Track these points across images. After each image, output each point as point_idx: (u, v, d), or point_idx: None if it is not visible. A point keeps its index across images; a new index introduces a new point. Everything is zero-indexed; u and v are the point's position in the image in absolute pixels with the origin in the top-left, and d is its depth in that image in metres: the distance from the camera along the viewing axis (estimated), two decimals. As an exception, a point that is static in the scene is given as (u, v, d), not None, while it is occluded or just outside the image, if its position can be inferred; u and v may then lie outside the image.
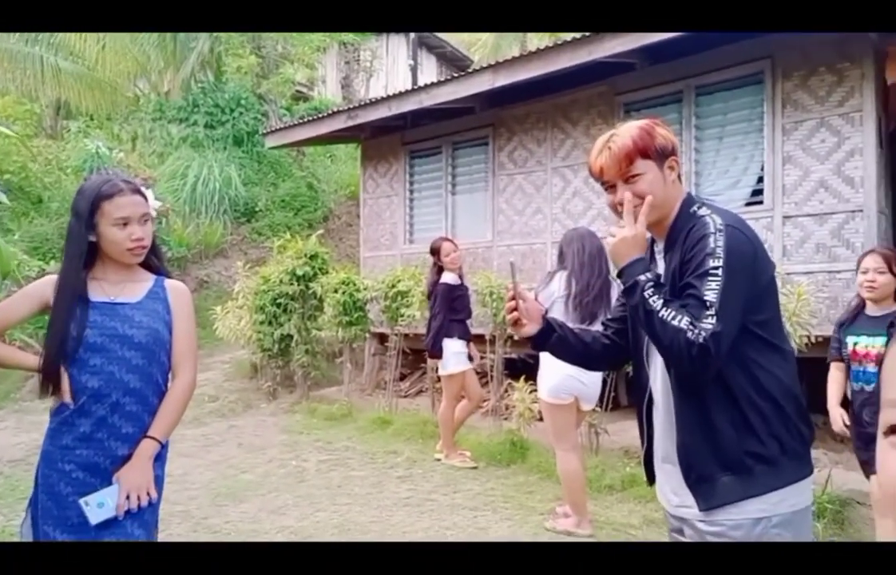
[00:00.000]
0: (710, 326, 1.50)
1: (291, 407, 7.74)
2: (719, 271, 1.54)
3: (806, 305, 4.39)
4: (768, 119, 5.80)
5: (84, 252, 2.04)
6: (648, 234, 1.80)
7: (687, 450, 1.63)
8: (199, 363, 8.02)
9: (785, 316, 4.20)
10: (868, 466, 3.12)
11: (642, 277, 1.61)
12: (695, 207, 1.69)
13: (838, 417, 3.30)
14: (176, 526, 4.19)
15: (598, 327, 2.07)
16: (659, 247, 1.76)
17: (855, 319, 3.23)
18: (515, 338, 6.48)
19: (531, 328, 1.86)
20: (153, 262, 2.20)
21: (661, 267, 1.73)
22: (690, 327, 1.52)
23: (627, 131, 1.71)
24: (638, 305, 1.60)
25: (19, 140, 10.86)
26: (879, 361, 2.98)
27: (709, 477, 1.60)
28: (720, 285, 1.53)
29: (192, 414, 7.41)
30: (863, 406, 3.13)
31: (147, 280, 2.15)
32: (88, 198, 2.03)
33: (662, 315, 1.55)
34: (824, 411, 3.38)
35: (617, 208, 1.72)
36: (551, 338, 1.90)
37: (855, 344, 3.16)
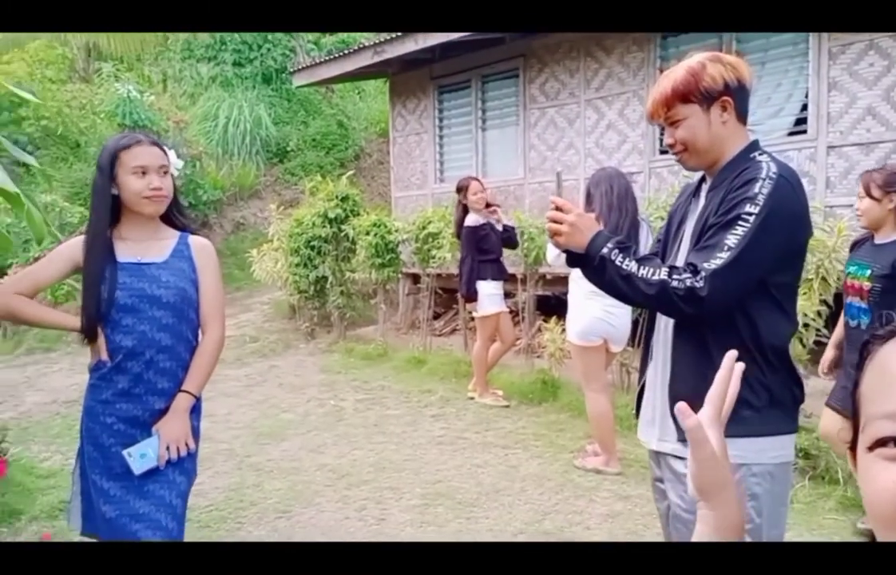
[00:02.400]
0: (712, 267, 1.51)
1: (329, 347, 7.92)
2: (751, 219, 1.53)
3: (846, 242, 4.24)
4: (814, 42, 5.52)
5: (108, 206, 2.09)
6: (699, 173, 1.78)
7: (677, 382, 1.67)
8: (240, 304, 8.21)
9: (823, 253, 4.09)
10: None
11: (606, 249, 1.61)
12: (755, 153, 1.66)
13: (825, 360, 3.37)
14: (221, 463, 4.40)
15: None
16: (707, 184, 1.74)
17: (860, 246, 3.12)
18: (548, 277, 6.54)
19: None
20: (177, 219, 2.23)
21: (700, 205, 1.72)
22: (671, 277, 1.54)
23: (673, 74, 1.68)
24: (613, 275, 1.60)
25: (52, 84, 11.04)
26: (860, 293, 2.92)
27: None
28: (746, 232, 1.52)
29: (234, 354, 7.66)
30: (847, 340, 3.10)
31: (171, 238, 2.19)
32: (109, 151, 2.08)
33: (642, 274, 1.57)
34: None
35: (670, 149, 1.75)
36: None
37: (847, 275, 3.08)
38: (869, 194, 2.94)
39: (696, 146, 1.67)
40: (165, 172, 2.11)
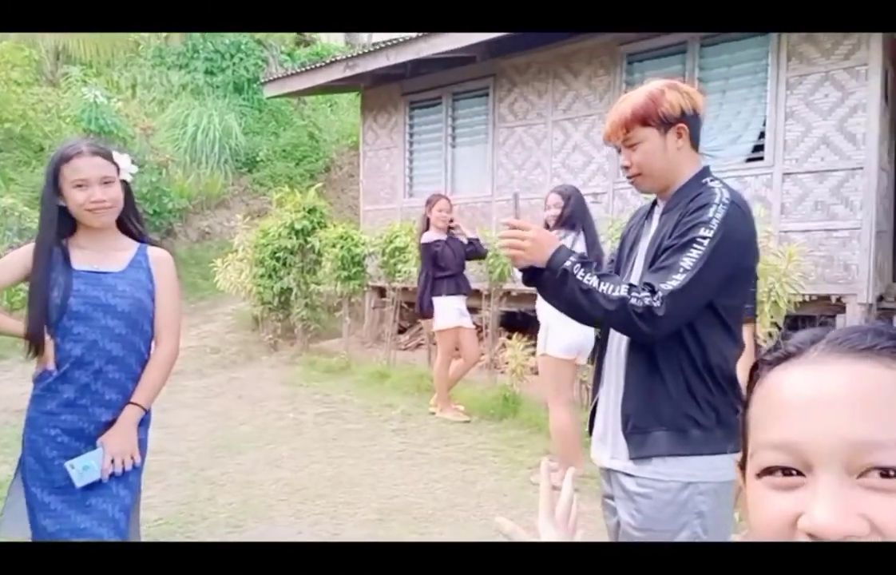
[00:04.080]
0: (669, 287, 1.54)
1: (292, 359, 7.84)
2: (705, 242, 1.56)
3: (797, 267, 4.36)
4: (773, 72, 5.69)
5: (55, 217, 2.05)
6: (652, 196, 1.82)
7: (629, 401, 1.69)
8: (203, 315, 8.03)
9: (775, 276, 4.20)
10: None
11: (569, 263, 1.63)
12: (707, 179, 1.70)
13: None
14: (174, 476, 4.31)
15: None
16: (660, 208, 1.77)
17: None
18: (513, 293, 6.58)
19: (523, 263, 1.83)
20: (133, 227, 2.19)
21: (654, 227, 1.75)
22: (630, 294, 1.56)
23: (632, 97, 1.72)
24: (574, 289, 1.62)
25: (17, 86, 10.82)
26: None
27: (644, 429, 1.65)
28: (701, 255, 1.55)
29: (194, 365, 7.53)
30: None
31: (129, 249, 2.16)
32: (52, 162, 2.04)
33: (602, 290, 1.59)
34: None
35: (623, 171, 1.77)
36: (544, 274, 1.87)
37: None
38: None
39: (652, 169, 1.70)
40: (108, 182, 2.05)
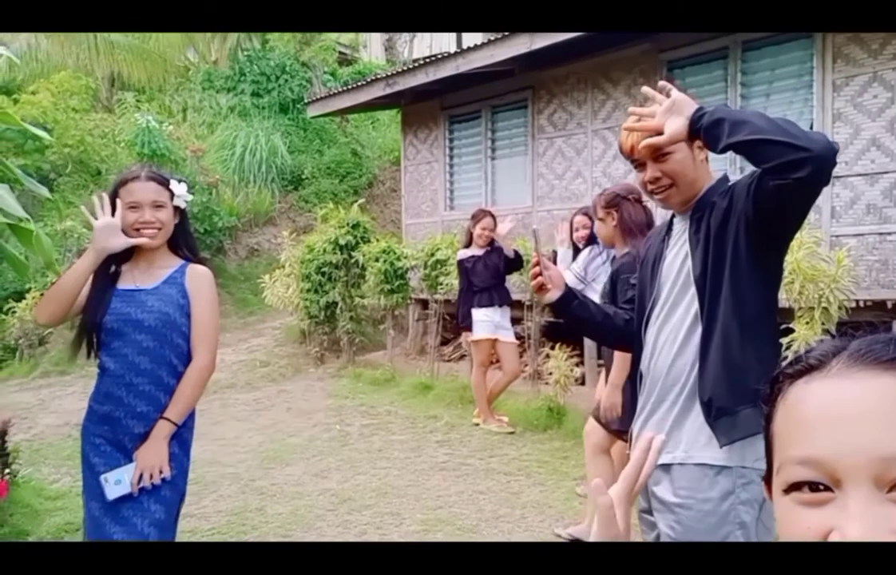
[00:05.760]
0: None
1: (338, 372, 7.99)
2: None
3: (847, 271, 4.25)
4: (818, 75, 5.56)
5: None
6: (669, 212, 1.83)
7: (710, 384, 1.61)
8: (252, 329, 8.22)
9: (825, 282, 4.10)
10: None
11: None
12: (730, 182, 1.71)
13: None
14: (226, 487, 4.45)
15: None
16: (679, 219, 1.77)
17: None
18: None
19: (554, 294, 1.87)
20: (181, 250, 2.29)
21: (683, 234, 1.72)
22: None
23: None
24: (758, 114, 1.48)
25: (75, 113, 11.37)
26: None
27: (730, 410, 1.58)
28: None
29: (244, 378, 7.75)
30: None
31: (170, 267, 2.24)
32: (112, 185, 2.20)
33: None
34: None
35: (647, 186, 1.75)
36: (572, 304, 1.90)
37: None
38: (596, 216, 3.12)
39: (685, 178, 1.69)
40: (159, 206, 2.17)
